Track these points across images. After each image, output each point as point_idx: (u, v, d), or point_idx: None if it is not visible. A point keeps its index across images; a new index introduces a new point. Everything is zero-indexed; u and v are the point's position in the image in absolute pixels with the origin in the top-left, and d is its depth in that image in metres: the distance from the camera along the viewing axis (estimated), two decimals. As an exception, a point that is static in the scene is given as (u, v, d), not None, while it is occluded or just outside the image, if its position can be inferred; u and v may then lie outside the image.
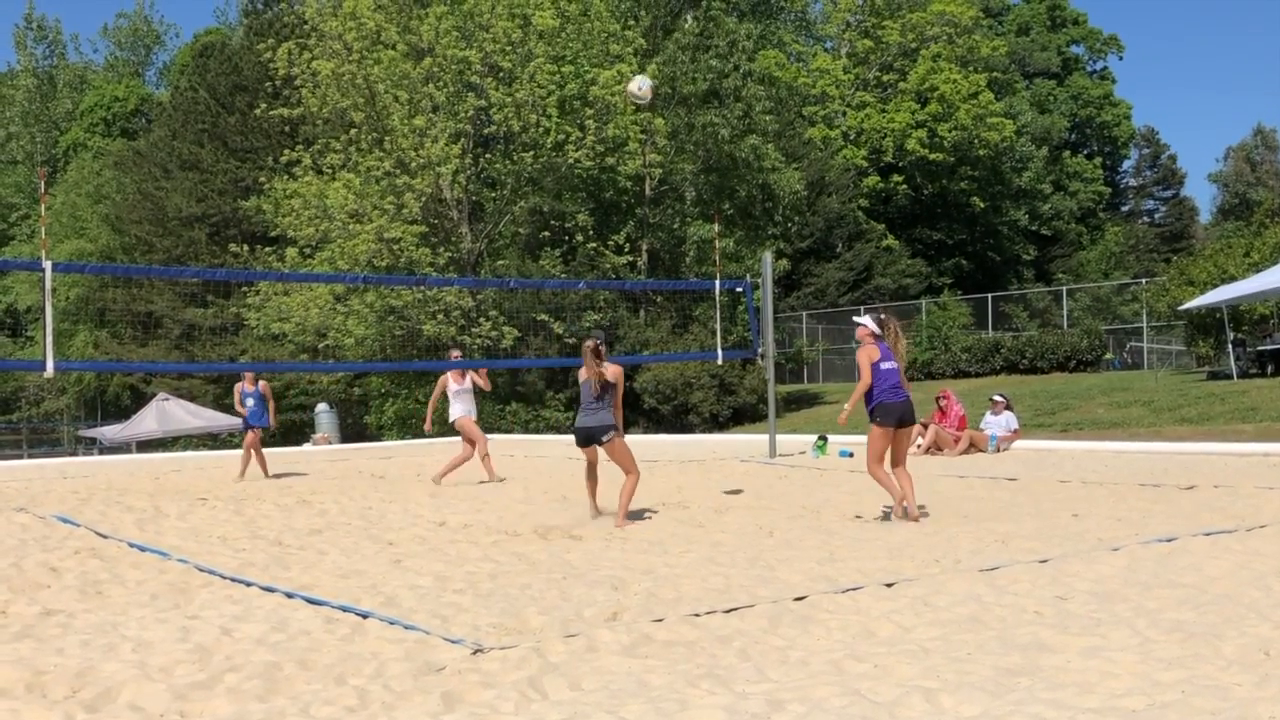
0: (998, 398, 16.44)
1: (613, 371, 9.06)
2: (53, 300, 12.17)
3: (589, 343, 9.12)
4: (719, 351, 17.89)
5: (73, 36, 78.38)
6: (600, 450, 9.11)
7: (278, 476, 14.24)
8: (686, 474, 12.94)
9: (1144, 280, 34.63)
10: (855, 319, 9.06)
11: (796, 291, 39.64)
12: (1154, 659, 4.25)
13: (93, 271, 36.61)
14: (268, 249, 31.15)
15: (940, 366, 30.77)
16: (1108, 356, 31.17)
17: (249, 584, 6.24)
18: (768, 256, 16.60)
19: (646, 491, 10.55)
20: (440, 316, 28.45)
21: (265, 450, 15.10)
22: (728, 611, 5.20)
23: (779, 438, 16.04)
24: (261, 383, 14.55)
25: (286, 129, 32.75)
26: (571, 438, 9.51)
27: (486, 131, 30.11)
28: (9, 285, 52.75)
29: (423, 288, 27.96)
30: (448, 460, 12.94)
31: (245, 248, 30.74)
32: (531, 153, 29.02)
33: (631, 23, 32.36)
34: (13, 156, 60.16)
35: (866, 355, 8.52)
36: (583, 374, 9.07)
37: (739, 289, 18.77)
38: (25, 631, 5.21)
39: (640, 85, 15.08)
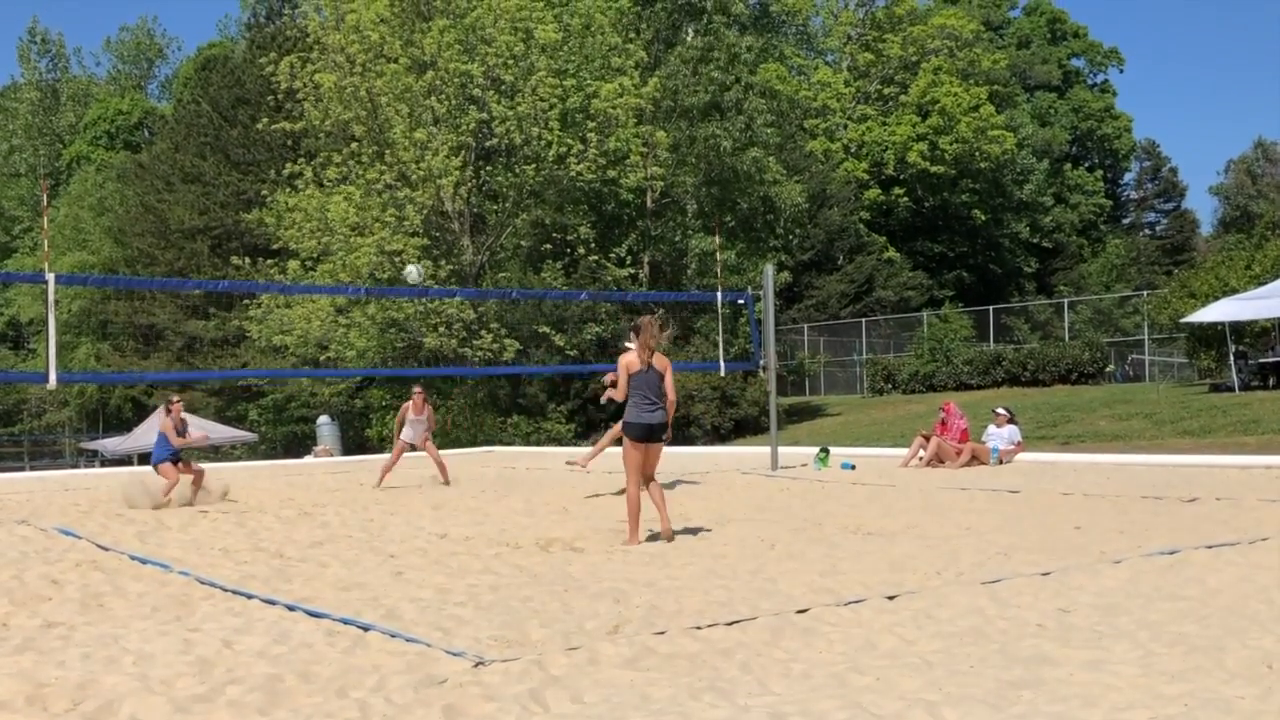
0: (1001, 411, 16.37)
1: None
2: (55, 313, 12.17)
3: (649, 318, 8.43)
4: (721, 363, 17.88)
5: (75, 50, 78.73)
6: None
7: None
8: (687, 487, 12.91)
9: (1145, 293, 34.64)
10: None
11: (798, 304, 39.70)
12: (1157, 672, 4.24)
13: (95, 284, 36.71)
14: (269, 261, 31.20)
15: (941, 379, 30.73)
16: (1109, 369, 31.12)
17: (250, 596, 6.23)
18: (769, 269, 16.59)
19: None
20: (442, 329, 28.46)
21: (269, 462, 14.91)
22: (730, 624, 5.19)
23: (781, 450, 16.01)
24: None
25: (289, 142, 32.83)
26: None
27: (488, 144, 30.16)
28: (11, 298, 52.90)
29: (424, 300, 27.98)
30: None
31: (247, 260, 30.80)
32: (533, 165, 29.07)
33: (633, 36, 32.44)
34: (16, 169, 60.38)
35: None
36: (641, 359, 8.33)
37: (740, 301, 18.75)
38: (26, 644, 5.20)
39: (413, 273, 18.24)
